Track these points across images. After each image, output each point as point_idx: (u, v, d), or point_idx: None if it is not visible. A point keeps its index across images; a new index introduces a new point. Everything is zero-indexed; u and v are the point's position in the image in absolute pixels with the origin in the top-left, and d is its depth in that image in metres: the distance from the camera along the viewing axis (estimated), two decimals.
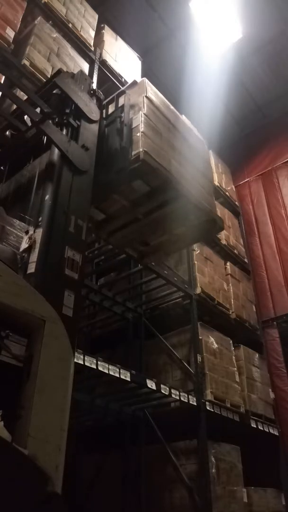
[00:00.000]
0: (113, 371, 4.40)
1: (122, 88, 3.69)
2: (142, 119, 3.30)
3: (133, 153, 3.16)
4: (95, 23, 6.59)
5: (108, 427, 6.04)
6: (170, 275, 6.17)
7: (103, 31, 6.95)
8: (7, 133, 3.24)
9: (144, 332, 6.39)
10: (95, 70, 6.18)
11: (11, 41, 4.78)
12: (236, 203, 9.72)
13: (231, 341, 6.71)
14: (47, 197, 2.50)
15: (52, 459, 1.65)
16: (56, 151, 2.69)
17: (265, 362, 7.56)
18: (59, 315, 2.04)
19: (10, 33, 4.79)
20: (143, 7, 8.31)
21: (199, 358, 5.75)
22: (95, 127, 3.11)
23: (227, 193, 9.33)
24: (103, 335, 6.90)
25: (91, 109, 3.11)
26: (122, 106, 3.39)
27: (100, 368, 4.25)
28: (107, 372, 4.34)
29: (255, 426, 6.37)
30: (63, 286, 2.26)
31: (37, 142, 2.96)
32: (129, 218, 3.66)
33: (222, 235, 8.06)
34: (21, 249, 2.34)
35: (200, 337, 5.97)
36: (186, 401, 5.26)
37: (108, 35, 7.01)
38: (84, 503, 5.61)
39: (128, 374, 4.57)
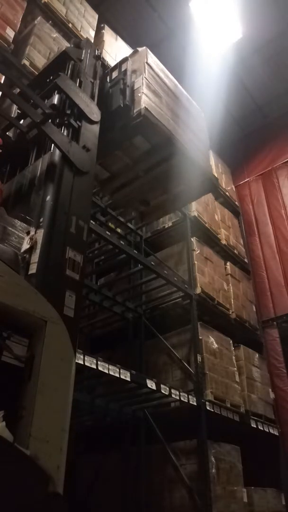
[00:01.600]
0: (113, 371, 4.41)
1: (125, 56, 3.89)
2: (143, 81, 3.52)
3: (135, 110, 3.38)
4: (95, 23, 6.59)
5: (108, 427, 6.05)
6: (170, 275, 6.18)
7: (103, 31, 6.95)
8: (10, 134, 3.25)
9: (144, 332, 6.39)
10: None
11: (11, 41, 4.78)
12: (236, 203, 9.73)
13: (231, 341, 6.71)
14: (48, 197, 2.51)
15: (53, 460, 1.65)
16: (57, 152, 2.70)
17: (265, 362, 7.56)
18: (60, 316, 2.04)
19: (10, 33, 4.79)
20: (143, 7, 8.31)
21: (199, 358, 5.75)
22: (96, 128, 3.12)
23: (227, 193, 9.33)
24: (103, 335, 6.90)
25: (92, 110, 3.12)
26: (125, 70, 3.63)
27: (100, 368, 4.26)
28: (107, 372, 4.34)
29: (255, 426, 6.37)
30: (64, 286, 2.26)
31: (38, 143, 2.97)
32: (130, 176, 3.87)
33: (222, 235, 8.07)
34: (22, 250, 2.34)
35: (200, 337, 5.97)
36: (186, 401, 5.26)
37: (108, 35, 7.01)
38: (84, 503, 5.61)
39: (128, 374, 4.57)
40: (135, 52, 3.85)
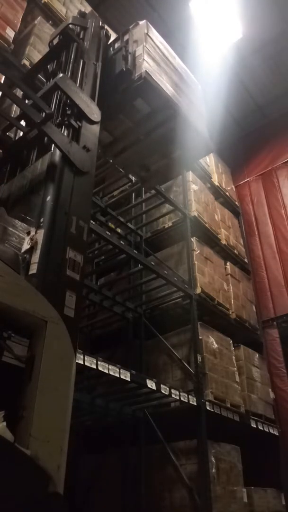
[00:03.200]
0: (113, 371, 4.40)
1: (126, 28, 4.15)
2: (144, 50, 3.79)
3: (136, 74, 3.63)
4: None
5: (108, 427, 6.05)
6: (170, 275, 6.18)
7: None
8: (10, 134, 3.25)
9: (144, 332, 6.39)
10: None
11: (11, 41, 4.77)
12: (236, 203, 9.73)
13: (231, 341, 6.71)
14: (48, 198, 2.50)
15: (53, 460, 1.65)
16: (58, 152, 2.70)
17: (265, 362, 7.56)
18: (60, 316, 2.03)
19: (10, 33, 4.78)
20: (143, 7, 8.31)
21: (199, 358, 5.75)
22: (96, 128, 3.13)
23: (227, 193, 9.33)
24: (103, 335, 6.90)
25: (92, 110, 3.13)
26: (127, 40, 3.88)
27: (100, 368, 4.25)
28: (107, 372, 4.33)
29: (255, 426, 6.37)
30: (65, 286, 2.26)
31: (39, 143, 2.98)
32: (132, 139, 4.12)
33: (222, 235, 8.07)
34: (22, 250, 2.34)
35: (200, 337, 5.97)
36: (186, 401, 5.26)
37: None
38: (84, 503, 5.61)
39: (128, 374, 4.57)
40: (136, 24, 4.08)
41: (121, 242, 5.97)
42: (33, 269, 2.22)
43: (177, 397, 5.18)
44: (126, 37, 3.94)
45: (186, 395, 5.28)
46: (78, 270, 2.38)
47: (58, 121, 2.95)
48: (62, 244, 2.38)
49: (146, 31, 3.95)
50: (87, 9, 6.53)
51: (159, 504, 5.18)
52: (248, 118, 10.70)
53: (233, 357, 6.58)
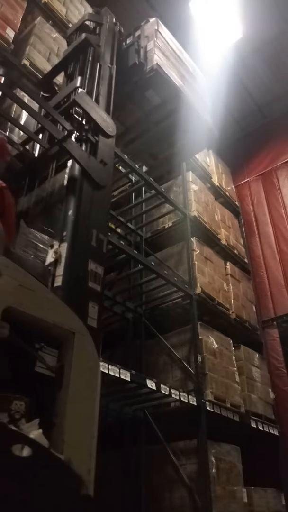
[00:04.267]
0: (113, 371, 4.41)
1: (139, 24, 4.53)
2: (154, 44, 4.11)
3: (148, 66, 3.94)
4: None
5: (108, 427, 6.04)
6: (170, 275, 6.17)
7: None
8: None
9: (144, 332, 6.39)
10: None
11: (11, 41, 4.77)
12: (236, 203, 9.73)
13: (231, 341, 6.71)
14: (70, 212, 2.59)
15: (84, 464, 1.73)
16: (77, 166, 2.79)
17: (265, 362, 7.56)
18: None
19: (10, 33, 4.78)
20: (143, 7, 8.31)
21: (199, 358, 5.74)
22: (111, 142, 3.24)
23: (227, 193, 9.33)
24: (103, 335, 6.89)
25: (108, 124, 3.22)
26: (139, 35, 4.23)
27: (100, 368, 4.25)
28: (107, 372, 4.33)
29: (255, 426, 6.36)
30: (88, 298, 2.37)
31: (57, 157, 3.07)
32: (142, 128, 4.43)
33: (222, 235, 8.06)
34: (47, 263, 2.45)
35: (200, 337, 5.97)
36: (186, 401, 5.26)
37: None
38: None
39: (128, 374, 4.57)
40: (146, 21, 4.44)
41: (121, 242, 5.97)
42: (58, 282, 2.33)
43: (177, 397, 5.17)
44: (137, 33, 4.29)
45: (186, 395, 5.28)
46: (99, 281, 2.49)
47: (76, 136, 3.04)
48: (84, 257, 2.49)
49: (156, 28, 4.29)
50: (87, 9, 6.54)
51: (159, 504, 5.18)
52: (248, 118, 10.69)
53: (233, 357, 6.58)
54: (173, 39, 4.54)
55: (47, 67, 5.01)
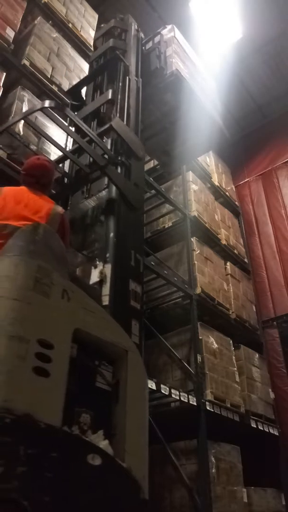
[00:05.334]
0: None
1: (157, 31, 4.93)
2: (173, 50, 4.52)
3: (168, 71, 4.33)
4: (95, 23, 6.58)
5: None
6: (170, 275, 6.17)
7: None
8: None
9: (144, 332, 6.38)
10: None
11: (11, 41, 4.77)
12: (236, 203, 9.72)
13: (231, 341, 6.70)
14: (111, 234, 2.75)
15: (141, 471, 1.85)
16: (114, 188, 2.93)
17: (265, 362, 7.56)
18: None
19: (10, 33, 4.78)
20: (143, 7, 8.31)
21: (199, 358, 5.74)
22: (142, 164, 3.46)
23: (227, 193, 9.33)
24: None
25: (138, 146, 3.35)
26: (159, 41, 4.62)
27: None
28: None
29: (255, 426, 6.36)
30: (130, 316, 2.52)
31: (93, 179, 3.24)
32: (158, 127, 4.81)
33: (222, 235, 8.06)
34: (91, 282, 2.59)
35: (200, 337, 5.96)
36: (186, 401, 5.26)
37: None
38: None
39: None
40: (164, 28, 4.87)
41: None
42: (105, 301, 2.49)
43: (177, 397, 5.17)
44: (157, 39, 4.69)
45: (186, 395, 5.28)
46: (138, 300, 2.65)
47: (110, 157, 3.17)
48: (125, 277, 2.63)
49: (173, 34, 4.75)
50: (87, 9, 6.54)
51: (159, 504, 5.18)
52: (248, 118, 10.69)
53: (233, 357, 6.58)
54: (186, 43, 4.87)
55: (47, 67, 5.01)
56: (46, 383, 1.56)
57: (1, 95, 4.35)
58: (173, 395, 5.10)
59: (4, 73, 4.47)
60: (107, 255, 2.65)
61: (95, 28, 6.54)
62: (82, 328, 1.88)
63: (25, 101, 4.33)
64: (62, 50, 5.42)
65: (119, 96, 3.55)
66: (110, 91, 3.48)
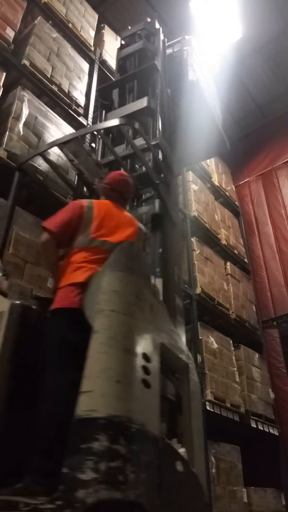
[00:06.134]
0: None
1: (175, 40, 5.28)
2: (192, 58, 4.85)
3: (189, 78, 4.63)
4: (95, 23, 6.58)
5: None
6: None
7: (103, 31, 6.94)
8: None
9: None
10: (95, 70, 6.16)
11: (11, 41, 4.76)
12: (236, 203, 9.72)
13: (231, 341, 6.71)
14: (160, 249, 2.82)
15: (203, 477, 2.00)
16: (157, 203, 3.04)
17: (265, 362, 7.56)
18: None
19: (10, 33, 4.77)
20: (143, 7, 8.31)
21: (199, 358, 5.74)
22: (176, 181, 3.47)
23: (227, 193, 9.33)
24: None
25: (174, 162, 3.44)
26: (180, 49, 4.91)
27: None
28: None
29: (255, 426, 6.37)
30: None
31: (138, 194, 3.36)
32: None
33: (222, 235, 8.06)
34: None
35: (200, 337, 5.96)
36: None
37: (108, 35, 7.00)
38: None
39: None
40: (183, 37, 5.23)
41: None
42: None
43: None
44: (177, 47, 5.01)
45: None
46: (181, 314, 2.73)
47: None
48: (172, 292, 2.69)
49: (193, 42, 5.09)
50: (87, 9, 6.54)
51: None
52: (248, 118, 10.69)
53: (233, 357, 6.58)
54: (203, 53, 5.27)
55: (47, 67, 5.01)
56: (149, 395, 1.67)
57: (1, 95, 4.34)
58: None
59: (4, 73, 4.46)
60: (157, 269, 2.71)
61: (95, 28, 6.54)
62: (165, 343, 2.01)
63: (25, 101, 4.33)
64: (62, 50, 5.42)
65: (157, 108, 3.62)
66: (145, 98, 3.56)
